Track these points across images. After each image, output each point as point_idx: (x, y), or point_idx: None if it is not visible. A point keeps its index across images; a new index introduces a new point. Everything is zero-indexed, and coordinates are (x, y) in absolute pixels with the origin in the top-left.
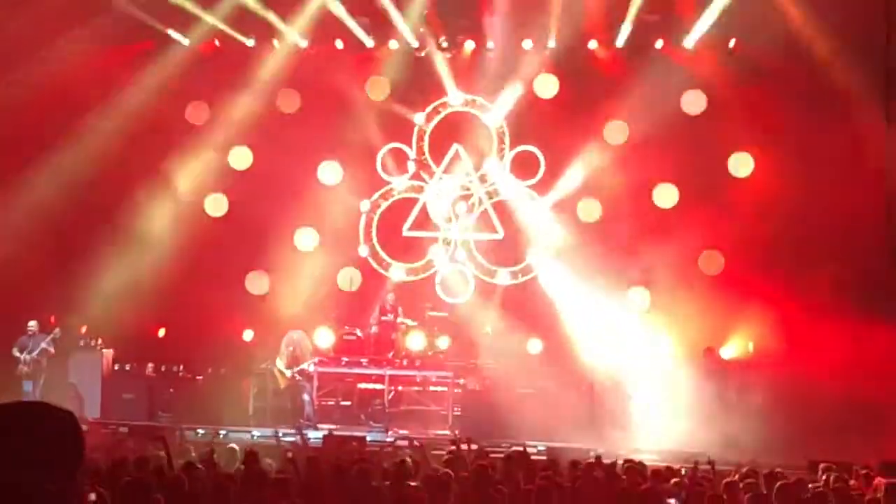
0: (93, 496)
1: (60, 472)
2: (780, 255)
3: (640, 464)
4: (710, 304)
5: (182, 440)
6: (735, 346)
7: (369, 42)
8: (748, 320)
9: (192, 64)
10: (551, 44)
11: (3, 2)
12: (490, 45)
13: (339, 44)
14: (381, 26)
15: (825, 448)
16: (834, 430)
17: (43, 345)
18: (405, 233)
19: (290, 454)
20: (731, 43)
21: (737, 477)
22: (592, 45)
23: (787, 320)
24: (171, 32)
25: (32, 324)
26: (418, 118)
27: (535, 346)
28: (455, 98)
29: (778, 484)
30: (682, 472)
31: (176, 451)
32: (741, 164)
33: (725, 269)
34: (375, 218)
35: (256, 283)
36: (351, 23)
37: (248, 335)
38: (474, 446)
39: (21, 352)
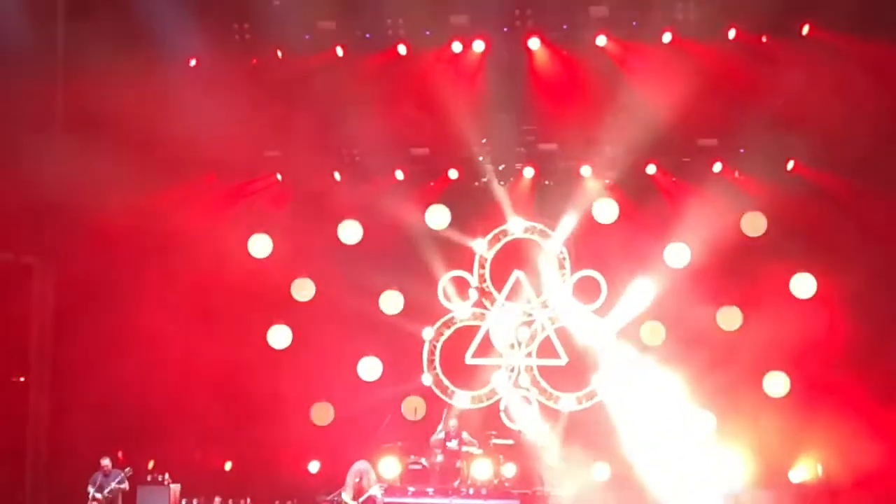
0: None
1: None
2: (847, 376)
3: None
4: (777, 427)
5: None
6: (804, 470)
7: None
8: (817, 443)
9: (254, 197)
10: (609, 170)
11: None
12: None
13: (400, 174)
14: (439, 156)
15: None
16: None
17: (114, 484)
18: (468, 360)
19: None
20: (790, 164)
21: None
22: (651, 169)
23: (857, 442)
24: None
25: (106, 461)
26: (478, 245)
27: (602, 471)
28: (515, 224)
29: None
30: None
31: None
32: (804, 286)
33: (791, 390)
34: (438, 346)
35: (321, 413)
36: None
37: (313, 466)
38: None
39: (97, 490)
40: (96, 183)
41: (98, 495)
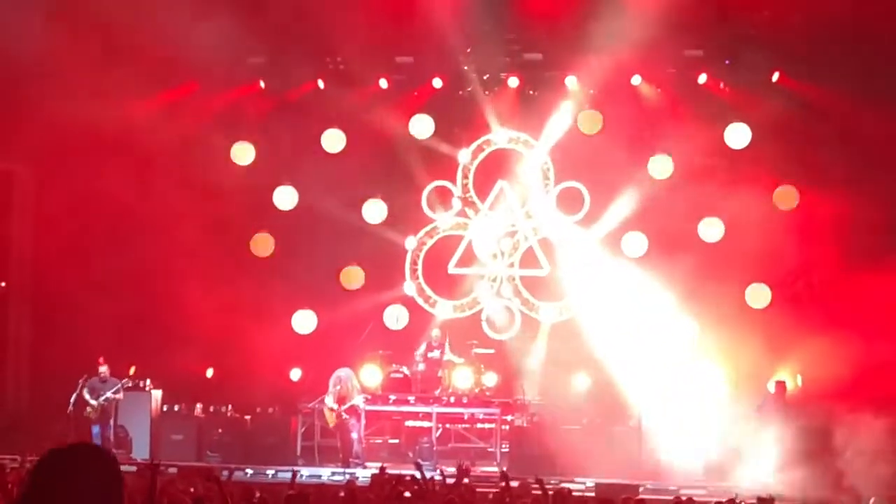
0: None
1: None
2: (828, 287)
3: (690, 500)
4: (758, 338)
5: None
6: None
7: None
8: (797, 354)
9: (237, 104)
10: (594, 80)
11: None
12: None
13: (384, 83)
14: (424, 64)
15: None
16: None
17: (110, 393)
18: (451, 270)
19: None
20: (775, 76)
21: None
22: (636, 80)
23: (836, 353)
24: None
25: (104, 368)
26: (462, 155)
27: (582, 381)
28: (499, 135)
29: None
30: None
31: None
32: (787, 197)
33: (773, 302)
34: (421, 255)
35: (303, 321)
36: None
37: (295, 374)
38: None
39: (91, 395)
40: (79, 90)
41: (93, 401)
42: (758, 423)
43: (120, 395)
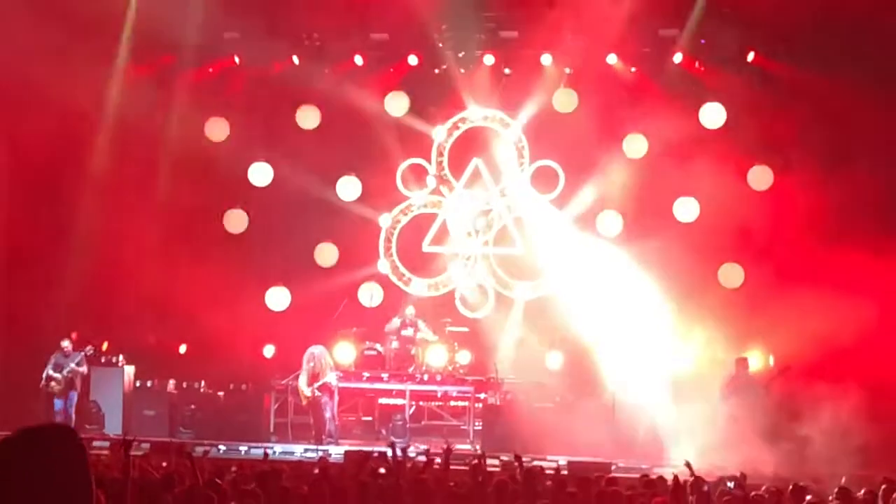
0: None
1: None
2: (801, 267)
3: (660, 477)
4: (731, 317)
5: (203, 456)
6: (756, 359)
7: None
8: (769, 334)
9: (212, 80)
10: (570, 58)
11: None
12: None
13: (359, 59)
14: (399, 41)
15: (854, 463)
16: (860, 446)
17: (72, 364)
18: (425, 248)
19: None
20: (750, 56)
21: (763, 491)
22: (611, 59)
23: (809, 333)
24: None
25: (66, 343)
26: (437, 133)
27: (555, 359)
28: (474, 113)
29: (807, 499)
30: (704, 487)
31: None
32: (761, 178)
33: (746, 282)
34: (395, 233)
35: (277, 298)
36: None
37: (268, 351)
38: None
39: (55, 370)
40: (51, 64)
41: (56, 375)
42: (726, 401)
43: (83, 368)
